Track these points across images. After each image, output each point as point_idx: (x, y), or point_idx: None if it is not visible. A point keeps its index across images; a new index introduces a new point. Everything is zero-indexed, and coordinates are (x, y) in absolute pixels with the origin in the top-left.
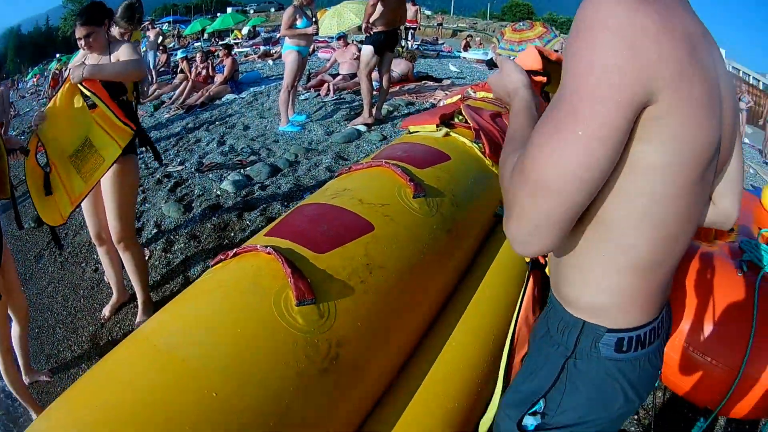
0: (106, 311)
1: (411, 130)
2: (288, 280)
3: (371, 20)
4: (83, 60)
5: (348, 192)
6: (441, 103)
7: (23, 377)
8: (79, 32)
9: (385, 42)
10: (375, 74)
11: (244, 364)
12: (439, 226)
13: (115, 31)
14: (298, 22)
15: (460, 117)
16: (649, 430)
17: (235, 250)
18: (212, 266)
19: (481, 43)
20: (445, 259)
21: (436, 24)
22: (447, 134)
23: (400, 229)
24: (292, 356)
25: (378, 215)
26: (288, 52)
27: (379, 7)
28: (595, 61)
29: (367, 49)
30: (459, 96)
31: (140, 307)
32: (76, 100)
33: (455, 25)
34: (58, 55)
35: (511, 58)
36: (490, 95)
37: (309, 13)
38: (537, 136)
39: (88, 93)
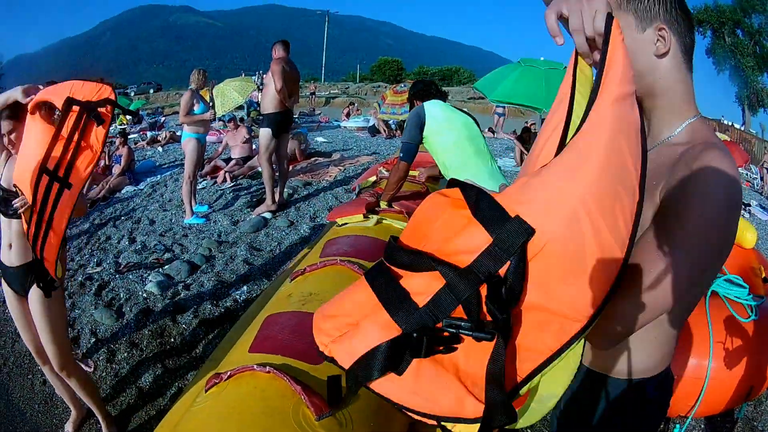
0: (68, 428)
1: (340, 223)
2: (301, 397)
3: (266, 102)
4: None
5: (315, 296)
6: (355, 184)
7: None
8: (5, 127)
9: (282, 123)
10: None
11: None
12: None
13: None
14: (196, 108)
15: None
16: None
17: (228, 372)
18: (207, 390)
19: (358, 110)
20: None
21: (309, 93)
22: (379, 221)
23: None
24: None
25: None
26: (188, 140)
27: (274, 88)
28: None
29: (266, 133)
30: (373, 178)
31: (103, 424)
32: None
33: (328, 92)
34: None
35: (392, 122)
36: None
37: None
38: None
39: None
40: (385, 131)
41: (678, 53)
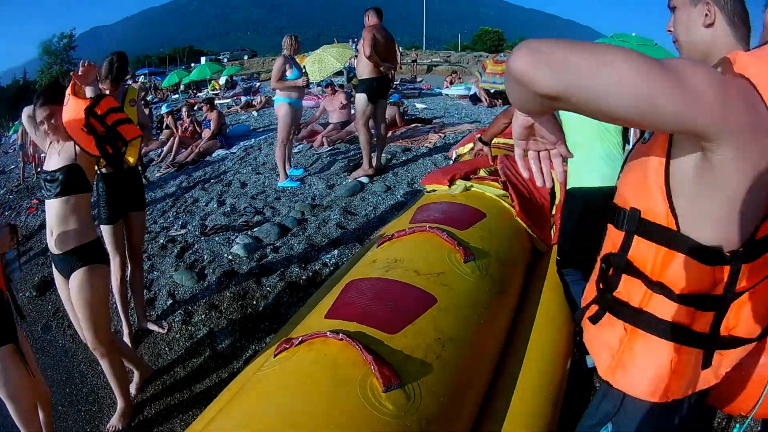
0: (132, 389)
1: (428, 190)
2: (371, 367)
3: (360, 68)
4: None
5: (400, 263)
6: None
7: None
8: (41, 114)
9: (378, 88)
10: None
11: None
12: (491, 288)
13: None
14: (288, 73)
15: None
16: None
17: (300, 337)
18: (276, 355)
19: (460, 78)
20: (498, 321)
21: (410, 61)
22: (467, 188)
23: (459, 297)
24: None
25: (437, 285)
26: (280, 104)
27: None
28: None
29: (361, 98)
30: (470, 145)
31: (117, 411)
32: None
33: (429, 60)
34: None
35: (493, 91)
36: (502, 140)
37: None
38: None
39: None
40: (486, 99)
41: (724, 24)
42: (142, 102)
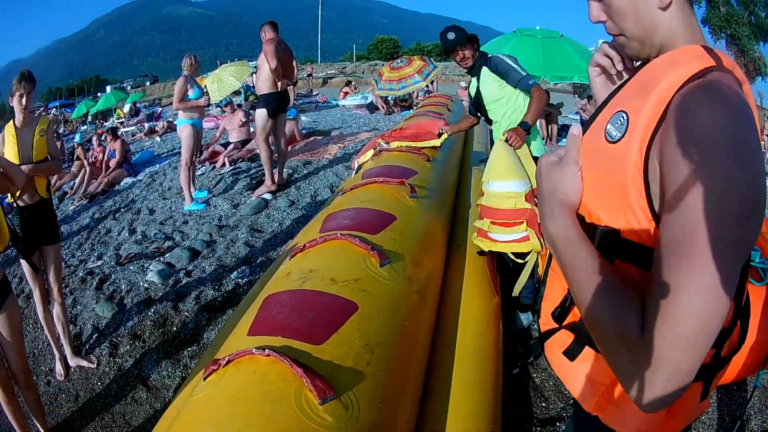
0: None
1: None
2: (303, 380)
3: (260, 83)
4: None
5: (316, 273)
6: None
7: None
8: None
9: (278, 103)
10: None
11: None
12: (411, 289)
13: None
14: (190, 93)
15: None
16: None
17: (226, 357)
18: (205, 378)
19: (356, 88)
20: (422, 320)
21: (306, 75)
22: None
23: (380, 301)
24: None
25: (356, 292)
26: (183, 126)
27: (267, 68)
28: None
29: (261, 113)
30: (371, 152)
31: None
32: None
33: (324, 73)
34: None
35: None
36: (404, 143)
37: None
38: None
39: None
40: (383, 107)
41: (682, 3)
42: (54, 135)
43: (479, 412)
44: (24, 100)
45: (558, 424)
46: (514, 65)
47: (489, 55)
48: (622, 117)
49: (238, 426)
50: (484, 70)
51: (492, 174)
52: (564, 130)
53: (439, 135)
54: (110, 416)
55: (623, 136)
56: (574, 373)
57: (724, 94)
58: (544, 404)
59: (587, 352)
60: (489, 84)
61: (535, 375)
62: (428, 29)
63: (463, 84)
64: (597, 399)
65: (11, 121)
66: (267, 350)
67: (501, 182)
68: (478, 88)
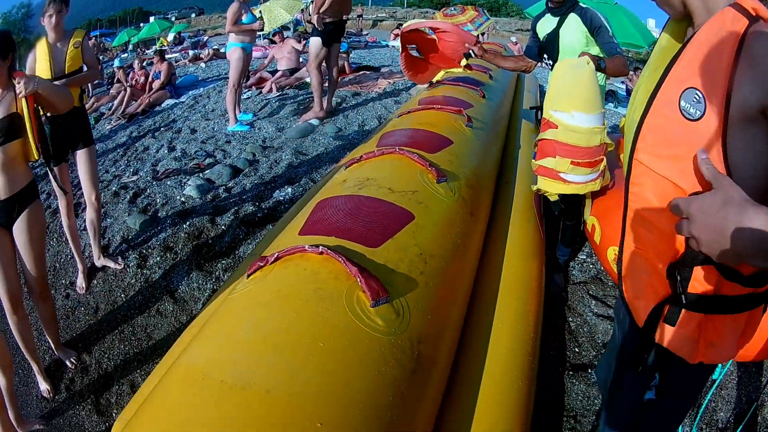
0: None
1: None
2: (357, 280)
3: (321, 10)
4: None
5: (373, 182)
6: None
7: None
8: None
9: (333, 33)
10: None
11: (338, 385)
12: (464, 210)
13: None
14: (243, 18)
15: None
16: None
17: (276, 253)
18: (249, 276)
19: None
20: (472, 242)
21: (356, 16)
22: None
23: (435, 215)
24: (383, 363)
25: (413, 203)
26: (233, 49)
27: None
28: None
29: (316, 41)
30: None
31: (39, 377)
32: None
33: (374, 16)
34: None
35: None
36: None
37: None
38: None
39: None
40: None
41: None
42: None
43: (518, 338)
44: (53, 19)
45: (589, 370)
46: (608, 26)
47: (583, 5)
48: (697, 95)
49: (283, 321)
50: (573, 16)
51: (574, 104)
52: (610, 95)
53: (467, 57)
54: (130, 329)
55: (703, 115)
56: (674, 336)
57: None
58: (577, 350)
59: (685, 314)
60: (573, 33)
61: (571, 319)
62: None
63: (513, 39)
64: (697, 350)
65: (44, 37)
66: (321, 247)
67: (587, 115)
68: (556, 30)
